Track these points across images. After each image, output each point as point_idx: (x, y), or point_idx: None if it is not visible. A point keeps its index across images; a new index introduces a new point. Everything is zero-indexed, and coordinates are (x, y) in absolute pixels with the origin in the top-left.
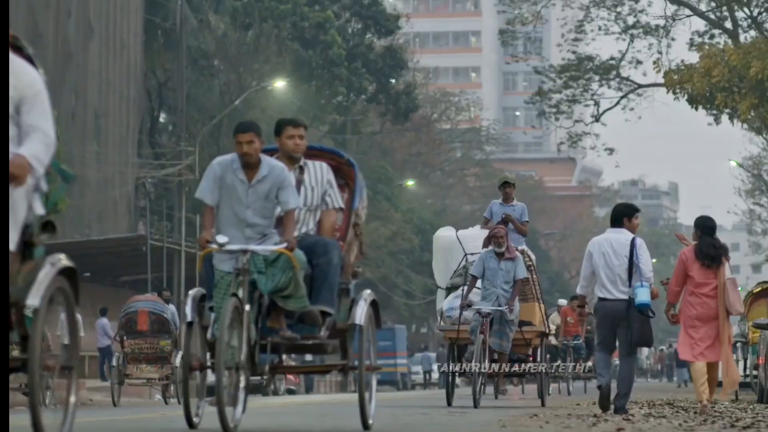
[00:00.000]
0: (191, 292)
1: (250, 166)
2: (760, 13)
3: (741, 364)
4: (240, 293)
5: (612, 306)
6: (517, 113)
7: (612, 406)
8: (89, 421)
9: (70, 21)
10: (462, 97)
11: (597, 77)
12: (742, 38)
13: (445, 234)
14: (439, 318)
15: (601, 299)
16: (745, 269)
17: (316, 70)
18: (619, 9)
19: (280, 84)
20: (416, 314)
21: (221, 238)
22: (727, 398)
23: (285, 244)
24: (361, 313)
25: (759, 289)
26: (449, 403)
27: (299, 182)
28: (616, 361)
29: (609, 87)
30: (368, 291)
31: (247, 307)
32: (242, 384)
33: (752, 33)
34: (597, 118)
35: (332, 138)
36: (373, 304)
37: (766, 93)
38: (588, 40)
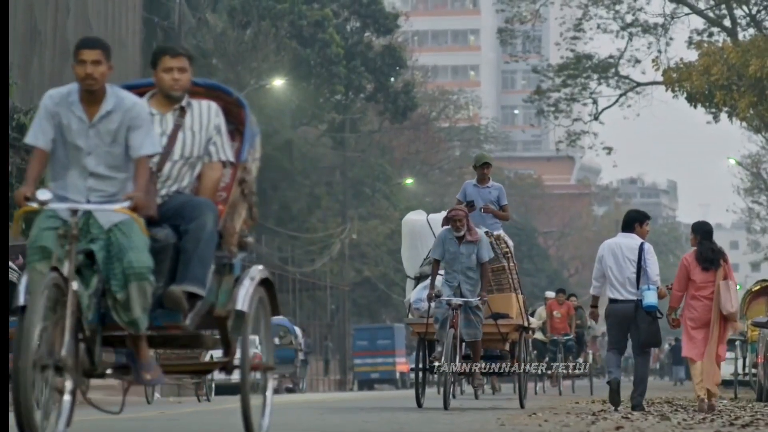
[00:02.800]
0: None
1: (91, 99)
2: (758, 11)
3: (740, 362)
4: (65, 267)
5: (622, 307)
6: (516, 112)
7: (630, 403)
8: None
9: (68, 19)
10: (461, 95)
11: (596, 76)
12: (740, 36)
13: (415, 218)
14: (407, 311)
15: (611, 300)
16: (744, 267)
17: (314, 69)
18: (617, 7)
19: (278, 82)
20: None
21: (43, 194)
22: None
23: (127, 203)
24: (245, 296)
25: (758, 287)
26: (419, 404)
27: (177, 127)
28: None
29: (608, 85)
30: (259, 267)
31: (75, 285)
32: (68, 388)
33: (751, 31)
34: (596, 117)
35: (331, 136)
36: (266, 284)
37: (764, 91)
38: (586, 38)
